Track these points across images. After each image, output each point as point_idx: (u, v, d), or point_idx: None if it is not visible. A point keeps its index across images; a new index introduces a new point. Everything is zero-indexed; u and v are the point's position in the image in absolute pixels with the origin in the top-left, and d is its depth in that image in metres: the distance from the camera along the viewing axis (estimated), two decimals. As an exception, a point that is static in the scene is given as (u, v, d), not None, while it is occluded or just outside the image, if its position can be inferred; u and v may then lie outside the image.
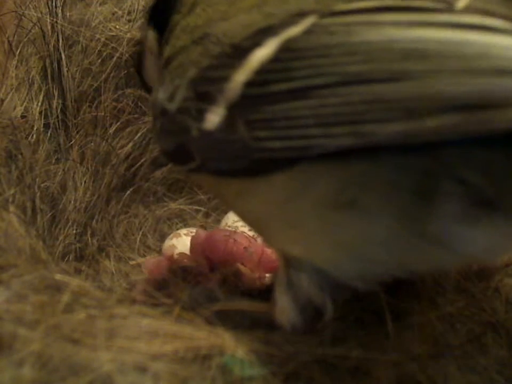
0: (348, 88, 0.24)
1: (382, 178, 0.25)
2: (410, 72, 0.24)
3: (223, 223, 0.47)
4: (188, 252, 0.43)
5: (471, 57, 0.23)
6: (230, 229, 0.46)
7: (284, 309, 0.30)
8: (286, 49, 0.26)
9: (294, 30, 0.26)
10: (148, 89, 0.38)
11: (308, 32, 0.26)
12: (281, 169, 0.27)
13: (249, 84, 0.26)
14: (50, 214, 0.41)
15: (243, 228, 0.45)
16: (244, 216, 0.33)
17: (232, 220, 0.46)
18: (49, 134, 0.43)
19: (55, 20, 0.44)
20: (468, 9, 0.25)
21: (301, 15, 0.26)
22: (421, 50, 0.24)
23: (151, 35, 0.35)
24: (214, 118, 0.27)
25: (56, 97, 0.44)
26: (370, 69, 0.24)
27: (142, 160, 0.49)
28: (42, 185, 0.41)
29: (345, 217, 0.26)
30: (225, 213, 0.48)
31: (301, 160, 0.26)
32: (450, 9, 0.25)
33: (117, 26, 0.47)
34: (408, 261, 0.28)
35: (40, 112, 0.43)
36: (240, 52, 0.27)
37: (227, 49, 0.27)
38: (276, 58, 0.26)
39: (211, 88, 0.27)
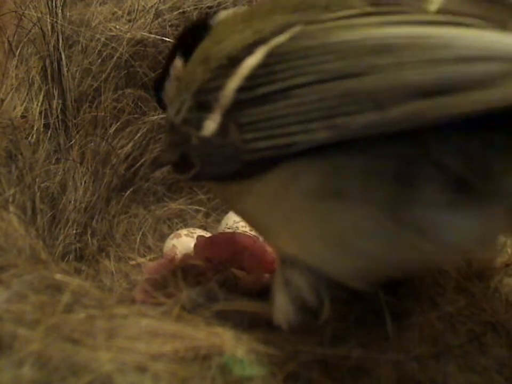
0: (323, 85, 0.26)
1: (363, 167, 0.26)
2: (377, 66, 0.25)
3: (223, 223, 0.47)
4: (188, 253, 0.43)
5: (435, 48, 0.25)
6: (230, 229, 0.46)
7: (281, 308, 0.30)
8: (271, 54, 0.28)
9: (281, 38, 0.28)
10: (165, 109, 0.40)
11: (292, 38, 0.27)
12: (269, 168, 0.28)
13: (240, 90, 0.28)
14: (50, 214, 0.41)
15: (244, 228, 0.45)
16: (244, 216, 0.34)
17: (232, 220, 0.46)
18: (49, 134, 0.43)
19: (55, 20, 0.44)
20: (439, 11, 0.27)
21: (289, 25, 0.28)
22: (387, 45, 0.25)
23: (179, 63, 0.37)
24: (210, 125, 0.29)
25: (56, 97, 0.44)
26: (342, 65, 0.26)
27: (142, 160, 0.49)
28: (42, 185, 0.41)
29: (332, 209, 0.27)
30: (226, 213, 0.48)
31: (286, 157, 0.27)
32: (422, 11, 0.27)
33: (117, 26, 0.47)
34: (397, 254, 0.28)
35: (40, 112, 0.43)
36: (234, 61, 0.29)
37: (223, 61, 0.29)
38: (263, 64, 0.28)
39: (209, 97, 0.29)
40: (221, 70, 0.29)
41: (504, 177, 0.26)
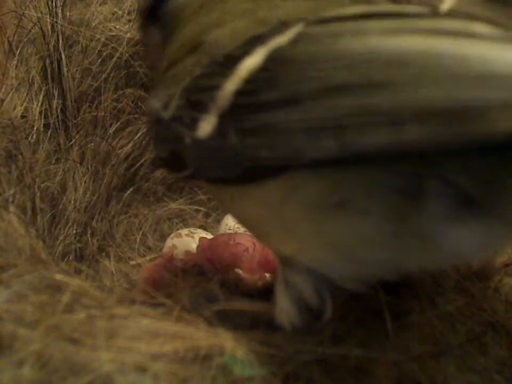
0: (332, 98, 0.24)
1: (370, 180, 0.26)
2: (391, 82, 0.24)
3: (223, 224, 0.47)
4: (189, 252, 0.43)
5: (449, 68, 0.23)
6: (231, 230, 0.46)
7: (283, 309, 0.30)
8: (273, 58, 0.26)
9: (281, 39, 0.26)
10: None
11: (294, 41, 0.26)
12: (272, 176, 0.27)
13: (239, 93, 0.26)
14: (50, 214, 0.41)
15: (244, 228, 0.45)
16: (239, 219, 0.33)
17: (232, 220, 0.46)
18: (49, 134, 0.43)
19: (55, 19, 0.44)
20: (451, 13, 0.26)
21: (288, 24, 0.26)
22: (401, 60, 0.24)
23: (154, 31, 0.35)
24: (205, 126, 0.27)
25: (56, 97, 0.44)
26: (353, 78, 0.24)
27: (142, 160, 0.49)
28: (42, 185, 0.41)
29: (336, 219, 0.27)
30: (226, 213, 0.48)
31: (290, 167, 0.26)
32: (433, 14, 0.26)
33: (117, 26, 0.47)
34: (398, 261, 0.28)
35: (40, 112, 0.43)
36: (230, 60, 0.27)
37: (218, 58, 0.28)
38: (264, 68, 0.26)
39: (203, 97, 0.28)
40: (216, 68, 0.28)
41: (510, 193, 0.26)
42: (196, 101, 0.28)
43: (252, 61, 0.26)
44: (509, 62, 0.23)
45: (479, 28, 0.25)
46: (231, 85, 0.27)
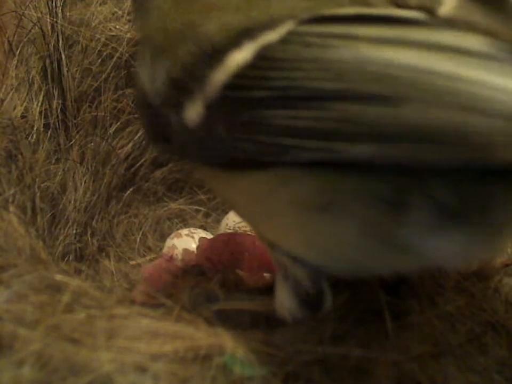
0: (320, 104, 0.24)
1: (355, 188, 0.26)
2: (380, 96, 0.23)
3: (223, 224, 0.47)
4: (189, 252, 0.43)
5: (439, 89, 0.23)
6: (230, 230, 0.46)
7: (283, 301, 0.30)
8: (263, 57, 0.26)
9: (271, 36, 0.26)
10: None
11: (284, 41, 0.26)
12: (259, 168, 0.27)
13: (227, 87, 0.26)
14: (50, 214, 0.41)
15: (244, 228, 0.45)
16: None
17: (232, 220, 0.46)
18: (49, 134, 0.43)
19: (55, 19, 0.44)
20: (448, 21, 0.25)
21: (279, 20, 0.26)
22: (391, 75, 0.24)
23: None
24: (192, 115, 0.28)
25: (56, 97, 0.44)
26: (342, 88, 0.24)
27: (142, 160, 0.49)
28: (42, 185, 0.41)
29: (317, 219, 0.27)
30: (226, 213, 0.48)
31: (277, 163, 0.26)
32: (429, 22, 0.25)
33: (117, 26, 0.47)
34: (375, 264, 0.28)
35: (40, 112, 0.43)
36: (219, 52, 0.27)
37: (207, 47, 0.27)
38: (253, 65, 0.26)
39: (190, 85, 0.27)
40: (204, 58, 0.27)
41: (496, 209, 0.26)
42: (183, 87, 0.28)
43: (241, 56, 0.26)
44: (508, 89, 0.23)
45: (477, 43, 0.24)
46: (219, 76, 0.27)
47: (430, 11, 0.26)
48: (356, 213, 0.26)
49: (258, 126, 0.26)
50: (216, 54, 0.27)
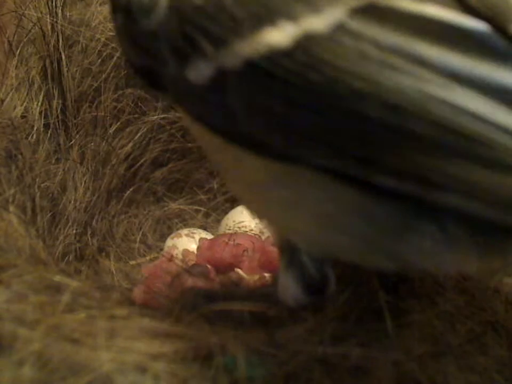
0: (365, 125, 0.22)
1: (363, 207, 0.25)
2: (441, 145, 0.22)
3: (223, 224, 0.47)
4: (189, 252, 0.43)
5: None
6: (230, 230, 0.46)
7: (286, 286, 0.30)
8: (304, 49, 0.22)
9: (315, 23, 0.22)
10: None
11: (332, 37, 0.22)
12: (268, 155, 0.25)
13: (252, 64, 0.23)
14: (50, 214, 0.41)
15: (244, 228, 0.45)
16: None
17: (232, 220, 0.46)
18: (49, 134, 0.43)
19: (55, 19, 0.44)
20: None
21: (325, 2, 0.23)
22: (454, 122, 0.22)
23: None
24: (196, 71, 0.24)
25: (56, 97, 0.44)
26: (397, 124, 0.22)
27: (142, 160, 0.49)
28: (42, 185, 0.41)
29: (318, 224, 0.27)
30: (226, 213, 0.48)
31: (289, 158, 0.24)
32: (503, 47, 0.23)
33: (117, 26, 0.47)
34: (371, 262, 0.28)
35: (40, 112, 0.43)
36: (250, 23, 0.23)
37: (238, 12, 0.23)
38: (290, 54, 0.22)
39: (203, 40, 0.24)
40: (228, 20, 0.23)
41: (508, 248, 0.25)
42: (191, 36, 0.24)
43: (277, 37, 0.23)
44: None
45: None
46: (243, 49, 0.23)
47: (499, 27, 0.23)
48: (357, 229, 0.26)
49: (281, 117, 0.23)
50: (247, 24, 0.23)
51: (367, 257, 0.27)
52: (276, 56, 0.23)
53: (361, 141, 0.22)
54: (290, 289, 0.30)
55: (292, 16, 0.23)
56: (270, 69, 0.23)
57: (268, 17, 0.23)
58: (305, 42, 0.22)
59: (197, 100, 0.25)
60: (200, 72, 0.24)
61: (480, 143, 0.22)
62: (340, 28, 0.22)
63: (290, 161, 0.25)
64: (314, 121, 0.23)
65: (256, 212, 0.31)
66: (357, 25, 0.22)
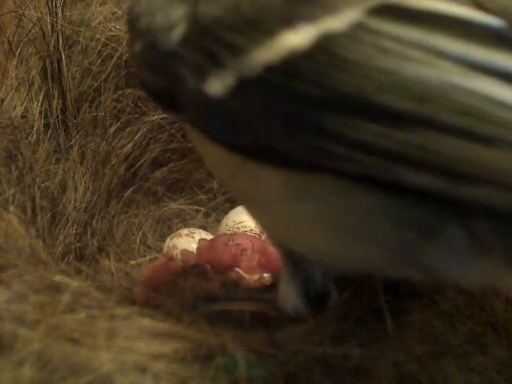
0: (389, 123, 0.22)
1: (388, 212, 0.24)
2: (467, 131, 0.21)
3: (223, 224, 0.47)
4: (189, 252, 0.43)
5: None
6: (230, 230, 0.46)
7: (287, 296, 0.30)
8: (324, 49, 0.22)
9: (333, 24, 0.22)
10: None
11: (350, 35, 0.22)
12: (284, 166, 0.25)
13: (271, 69, 0.23)
14: (50, 214, 0.41)
15: (244, 228, 0.45)
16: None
17: (232, 221, 0.46)
18: (49, 134, 0.43)
19: (55, 19, 0.44)
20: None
21: (342, 3, 0.23)
22: (481, 110, 0.21)
23: None
24: (217, 83, 0.24)
25: (56, 97, 0.44)
26: (422, 113, 0.22)
27: (142, 160, 0.49)
28: (42, 185, 0.41)
29: (341, 235, 0.26)
30: (226, 213, 0.48)
31: (307, 165, 0.24)
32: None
33: (117, 26, 0.47)
34: (388, 272, 0.28)
35: (40, 112, 0.43)
36: (267, 27, 0.23)
37: (255, 17, 0.23)
38: (310, 56, 0.22)
39: (222, 50, 0.24)
40: (247, 27, 0.23)
41: None
42: (210, 49, 0.24)
43: (296, 40, 0.23)
44: None
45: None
46: (262, 55, 0.23)
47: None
48: (381, 239, 0.25)
49: (301, 121, 0.23)
50: (265, 29, 0.23)
51: (393, 267, 0.26)
52: (295, 58, 0.23)
53: (388, 137, 0.22)
54: (291, 299, 0.30)
55: (309, 18, 0.23)
56: (290, 72, 0.23)
57: (286, 21, 0.23)
58: (325, 43, 0.22)
59: (215, 114, 0.25)
60: (218, 84, 0.24)
61: (507, 128, 0.21)
62: (358, 27, 0.22)
63: (310, 169, 0.24)
64: (337, 121, 0.22)
65: (274, 231, 0.30)
66: (374, 23, 0.22)
